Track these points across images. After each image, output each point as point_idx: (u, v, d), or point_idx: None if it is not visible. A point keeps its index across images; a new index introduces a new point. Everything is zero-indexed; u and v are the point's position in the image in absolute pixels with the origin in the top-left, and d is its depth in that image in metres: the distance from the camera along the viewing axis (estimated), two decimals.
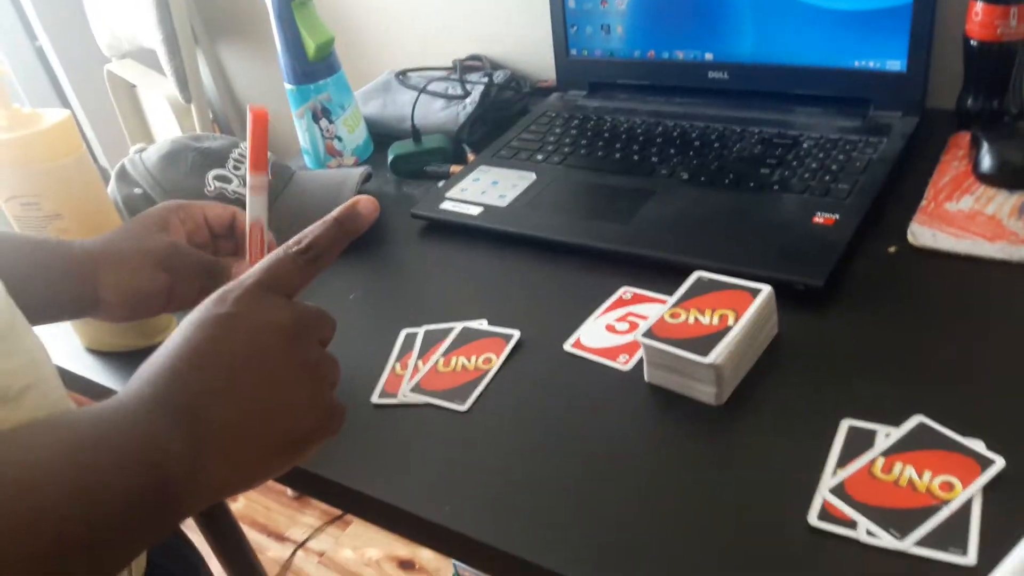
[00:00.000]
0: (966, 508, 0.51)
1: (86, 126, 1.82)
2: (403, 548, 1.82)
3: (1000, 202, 0.77)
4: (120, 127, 1.77)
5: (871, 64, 0.93)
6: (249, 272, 0.45)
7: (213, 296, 0.44)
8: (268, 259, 0.45)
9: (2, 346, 0.47)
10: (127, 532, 0.38)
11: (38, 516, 0.34)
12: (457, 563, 1.58)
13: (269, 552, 1.87)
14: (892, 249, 0.75)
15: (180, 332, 0.42)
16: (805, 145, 0.90)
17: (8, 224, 0.75)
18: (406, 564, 1.79)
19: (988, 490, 0.52)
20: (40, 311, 0.64)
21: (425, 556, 1.79)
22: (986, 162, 0.80)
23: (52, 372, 0.52)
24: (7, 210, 0.74)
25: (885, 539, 0.50)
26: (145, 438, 0.39)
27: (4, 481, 0.34)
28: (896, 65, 0.91)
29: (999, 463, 0.53)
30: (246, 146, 0.95)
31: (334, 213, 0.47)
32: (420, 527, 0.59)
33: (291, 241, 0.46)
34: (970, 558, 0.48)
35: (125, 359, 0.81)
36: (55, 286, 0.64)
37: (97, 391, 0.78)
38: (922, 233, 0.75)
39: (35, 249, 0.65)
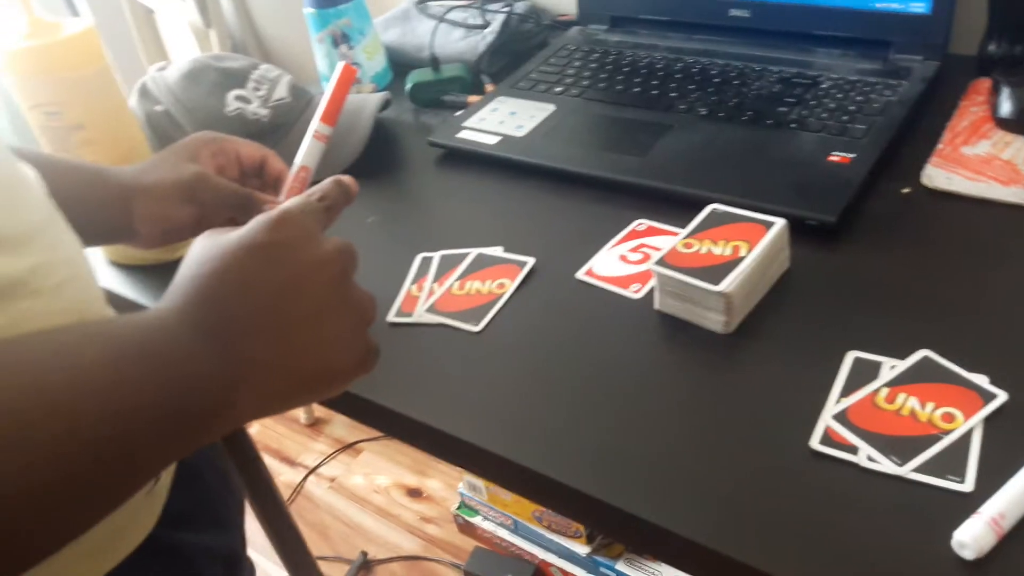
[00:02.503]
0: (966, 438, 0.53)
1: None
2: (411, 477, 1.86)
3: (1017, 147, 0.77)
4: (134, 49, 1.76)
5: (894, 6, 0.92)
6: (288, 202, 0.45)
7: (262, 221, 0.43)
8: (298, 200, 0.46)
9: (44, 239, 0.48)
10: (157, 446, 0.38)
11: (76, 424, 0.35)
12: (463, 492, 1.62)
13: (281, 476, 1.91)
14: (905, 190, 0.76)
15: (225, 253, 0.42)
16: (824, 85, 0.90)
17: (30, 134, 0.76)
18: (414, 492, 1.84)
19: (989, 423, 0.53)
20: (77, 235, 0.65)
21: (432, 486, 1.83)
22: (1005, 107, 0.79)
23: (89, 271, 0.53)
24: (31, 119, 0.75)
25: (885, 464, 0.52)
26: (183, 357, 0.39)
27: (46, 387, 0.35)
28: (920, 7, 0.91)
29: (1002, 397, 0.54)
30: (272, 70, 0.95)
31: (334, 177, 0.52)
32: (430, 438, 0.61)
33: (306, 193, 0.49)
34: (967, 485, 0.50)
35: (148, 272, 0.82)
36: (92, 213, 0.65)
37: (120, 303, 0.80)
38: (937, 175, 0.75)
39: (75, 175, 0.66)
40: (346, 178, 0.53)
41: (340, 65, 0.69)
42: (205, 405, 0.40)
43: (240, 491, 0.77)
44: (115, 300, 0.80)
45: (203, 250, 0.43)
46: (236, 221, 0.70)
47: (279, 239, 0.43)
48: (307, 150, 0.69)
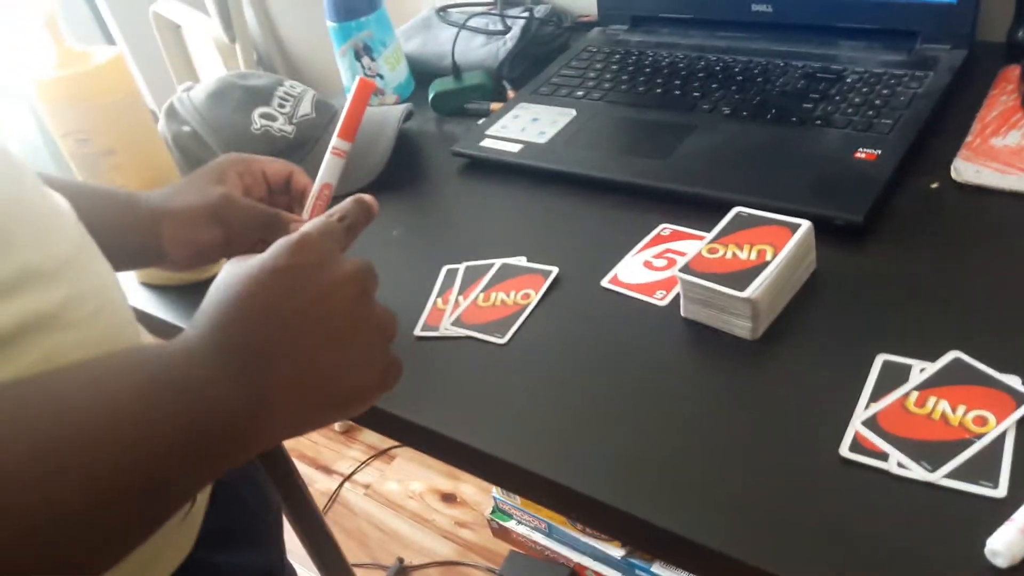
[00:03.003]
0: (999, 442, 0.52)
1: (132, 67, 1.84)
2: (446, 482, 1.87)
3: None
4: (166, 68, 1.79)
5: None
6: (307, 225, 0.46)
7: (278, 246, 0.44)
8: (319, 220, 0.48)
9: (75, 269, 0.49)
10: (188, 470, 0.40)
11: (108, 452, 0.36)
12: (497, 496, 1.62)
13: (317, 484, 1.93)
14: (934, 185, 0.75)
15: (247, 278, 0.43)
16: (849, 79, 0.89)
17: (65, 161, 0.77)
18: (448, 497, 1.84)
19: (1023, 426, 0.52)
20: (109, 259, 0.66)
21: (466, 490, 1.84)
22: None
23: (121, 296, 0.54)
24: (63, 146, 0.76)
25: (916, 471, 0.51)
26: (209, 384, 0.40)
27: (77, 419, 0.36)
28: None
29: None
30: (296, 86, 0.96)
31: (354, 197, 0.53)
32: (458, 452, 0.62)
33: (326, 214, 0.50)
34: (1000, 491, 0.49)
35: (178, 292, 0.84)
36: (123, 237, 0.66)
37: (151, 323, 0.81)
38: (966, 168, 0.74)
39: (105, 201, 0.67)
40: (367, 197, 0.53)
41: (356, 80, 0.70)
42: (232, 428, 0.40)
43: (278, 504, 0.78)
44: (146, 320, 0.82)
45: (227, 276, 0.44)
46: (265, 242, 0.71)
47: (298, 263, 0.44)
48: (327, 167, 0.70)
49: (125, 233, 0.67)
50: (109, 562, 0.37)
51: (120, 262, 0.58)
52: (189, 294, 0.83)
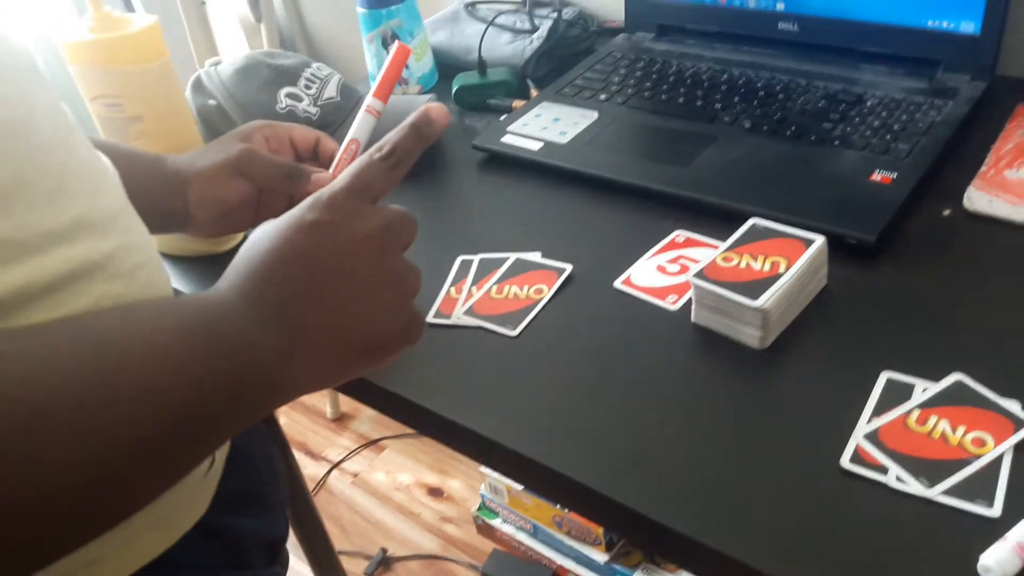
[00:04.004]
0: (996, 464, 0.53)
1: None
2: (433, 476, 1.88)
3: None
4: (187, 44, 1.79)
5: (944, 24, 0.92)
6: (339, 178, 0.47)
7: (308, 201, 0.45)
8: (355, 166, 0.47)
9: (120, 223, 0.50)
10: (220, 418, 0.41)
11: (146, 393, 0.37)
12: (484, 494, 1.63)
13: (306, 470, 1.92)
14: (946, 212, 0.76)
15: (277, 233, 0.44)
16: (869, 103, 0.90)
17: (92, 124, 0.78)
18: (435, 491, 1.85)
19: (1020, 449, 0.53)
20: None
21: (453, 486, 1.85)
22: None
23: (158, 256, 0.55)
24: (92, 110, 0.77)
25: (913, 486, 0.52)
26: (244, 330, 0.41)
27: (119, 357, 0.37)
28: (970, 27, 0.90)
29: None
30: (322, 69, 0.97)
31: (409, 120, 0.49)
32: (462, 436, 0.63)
33: (373, 149, 0.48)
34: (995, 511, 0.50)
35: (196, 263, 0.84)
36: (152, 200, 0.67)
37: None
38: (979, 198, 0.75)
39: (136, 163, 0.68)
40: (432, 111, 0.50)
41: (395, 44, 0.70)
42: (265, 374, 0.42)
43: (284, 478, 0.79)
44: None
45: (257, 233, 0.45)
46: (292, 201, 0.72)
47: (325, 219, 0.45)
48: (359, 124, 0.69)
49: (153, 195, 0.68)
50: (139, 504, 0.38)
51: (148, 226, 0.59)
52: (205, 265, 0.84)
